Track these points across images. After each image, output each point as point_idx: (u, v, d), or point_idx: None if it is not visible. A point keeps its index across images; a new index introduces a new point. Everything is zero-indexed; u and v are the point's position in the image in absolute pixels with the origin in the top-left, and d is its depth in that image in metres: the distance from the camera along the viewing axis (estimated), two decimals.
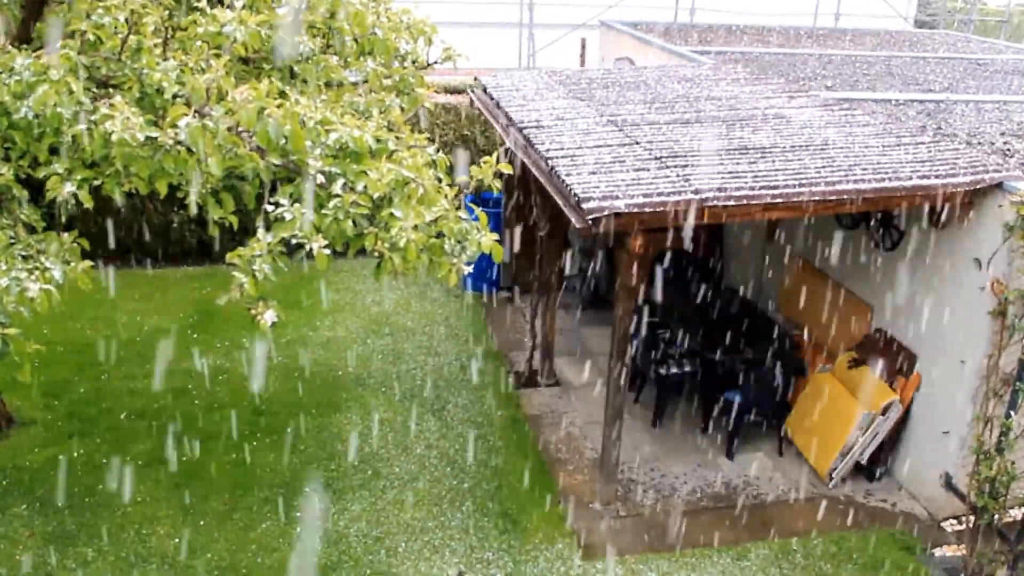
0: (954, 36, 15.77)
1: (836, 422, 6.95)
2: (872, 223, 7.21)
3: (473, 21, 16.53)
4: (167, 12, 5.35)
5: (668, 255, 9.30)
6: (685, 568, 6.09)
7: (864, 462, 6.94)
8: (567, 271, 9.97)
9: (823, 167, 6.14)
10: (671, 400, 7.73)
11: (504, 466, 7.13)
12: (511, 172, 4.93)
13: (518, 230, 9.39)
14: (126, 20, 4.74)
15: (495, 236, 4.71)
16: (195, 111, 4.25)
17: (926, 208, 6.28)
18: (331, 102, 5.42)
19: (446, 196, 4.60)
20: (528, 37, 17.51)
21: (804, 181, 5.84)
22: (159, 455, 7.07)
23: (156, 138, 4.12)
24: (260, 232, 4.28)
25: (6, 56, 4.37)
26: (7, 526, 6.24)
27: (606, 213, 5.41)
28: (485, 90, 8.81)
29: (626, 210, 5.44)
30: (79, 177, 4.29)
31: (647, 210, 5.49)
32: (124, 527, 6.27)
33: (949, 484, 6.51)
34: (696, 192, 5.63)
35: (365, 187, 4.33)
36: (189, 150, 4.15)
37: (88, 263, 4.75)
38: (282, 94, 4.69)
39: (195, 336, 9.14)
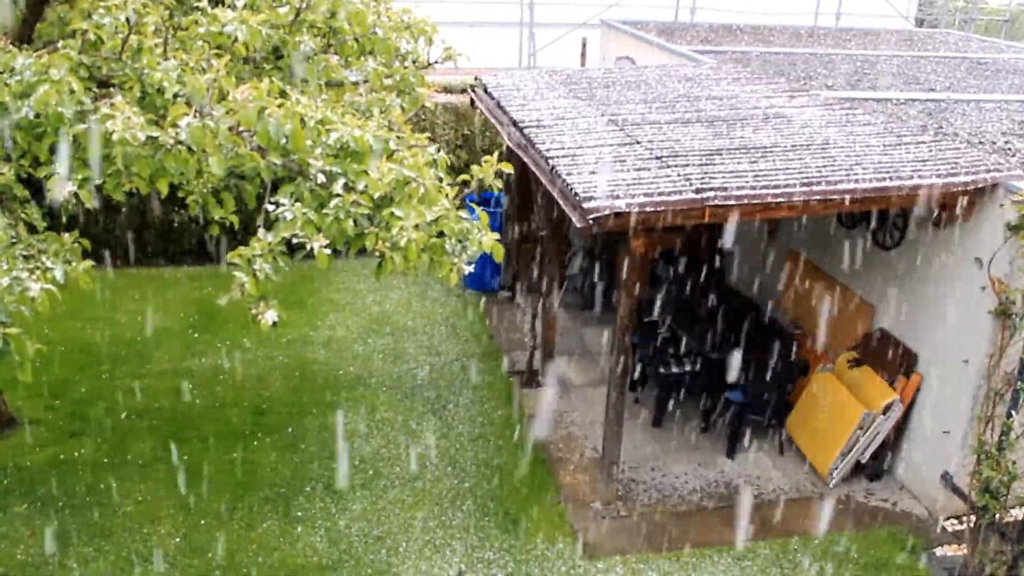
0: (955, 35, 15.76)
1: (837, 422, 6.95)
2: (873, 222, 7.21)
3: (473, 20, 16.51)
4: (168, 12, 5.36)
5: (669, 254, 9.32)
6: (685, 568, 6.09)
7: (865, 461, 6.94)
8: (568, 271, 9.98)
9: (824, 166, 6.14)
10: (672, 399, 7.73)
11: (505, 465, 7.13)
12: (512, 172, 4.94)
13: (519, 230, 9.39)
14: (127, 20, 4.74)
15: (496, 235, 4.72)
16: (196, 111, 4.25)
17: (927, 207, 6.28)
18: (332, 101, 5.42)
19: (447, 195, 4.61)
20: (528, 36, 17.51)
21: (805, 180, 5.84)
22: (160, 454, 7.07)
23: (157, 138, 4.12)
24: (261, 232, 4.29)
25: (7, 56, 4.37)
26: (8, 525, 6.24)
27: (607, 212, 5.41)
28: (486, 89, 8.81)
29: (627, 209, 5.44)
30: (80, 177, 4.30)
31: (648, 209, 5.50)
32: (125, 526, 6.28)
33: (950, 483, 6.51)
34: (697, 191, 5.63)
35: (366, 186, 4.33)
36: (190, 149, 4.16)
37: (89, 263, 4.75)
38: (283, 93, 4.69)
39: (196, 336, 9.15)
